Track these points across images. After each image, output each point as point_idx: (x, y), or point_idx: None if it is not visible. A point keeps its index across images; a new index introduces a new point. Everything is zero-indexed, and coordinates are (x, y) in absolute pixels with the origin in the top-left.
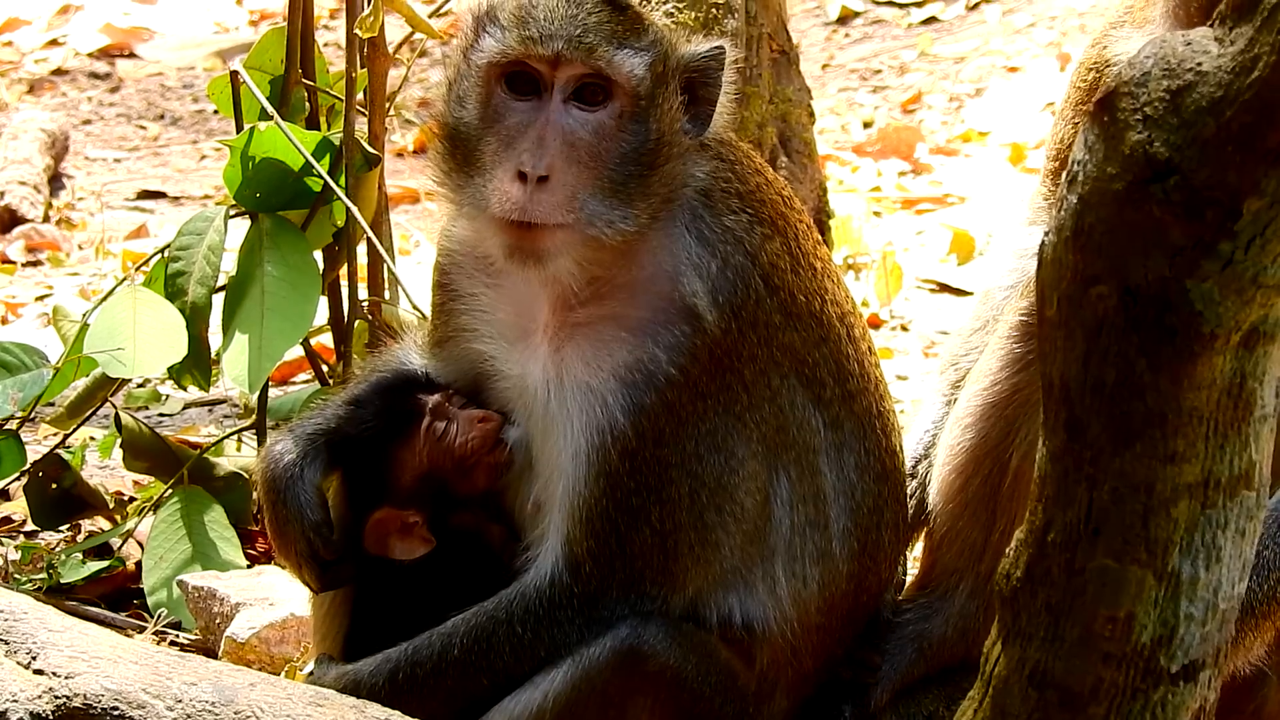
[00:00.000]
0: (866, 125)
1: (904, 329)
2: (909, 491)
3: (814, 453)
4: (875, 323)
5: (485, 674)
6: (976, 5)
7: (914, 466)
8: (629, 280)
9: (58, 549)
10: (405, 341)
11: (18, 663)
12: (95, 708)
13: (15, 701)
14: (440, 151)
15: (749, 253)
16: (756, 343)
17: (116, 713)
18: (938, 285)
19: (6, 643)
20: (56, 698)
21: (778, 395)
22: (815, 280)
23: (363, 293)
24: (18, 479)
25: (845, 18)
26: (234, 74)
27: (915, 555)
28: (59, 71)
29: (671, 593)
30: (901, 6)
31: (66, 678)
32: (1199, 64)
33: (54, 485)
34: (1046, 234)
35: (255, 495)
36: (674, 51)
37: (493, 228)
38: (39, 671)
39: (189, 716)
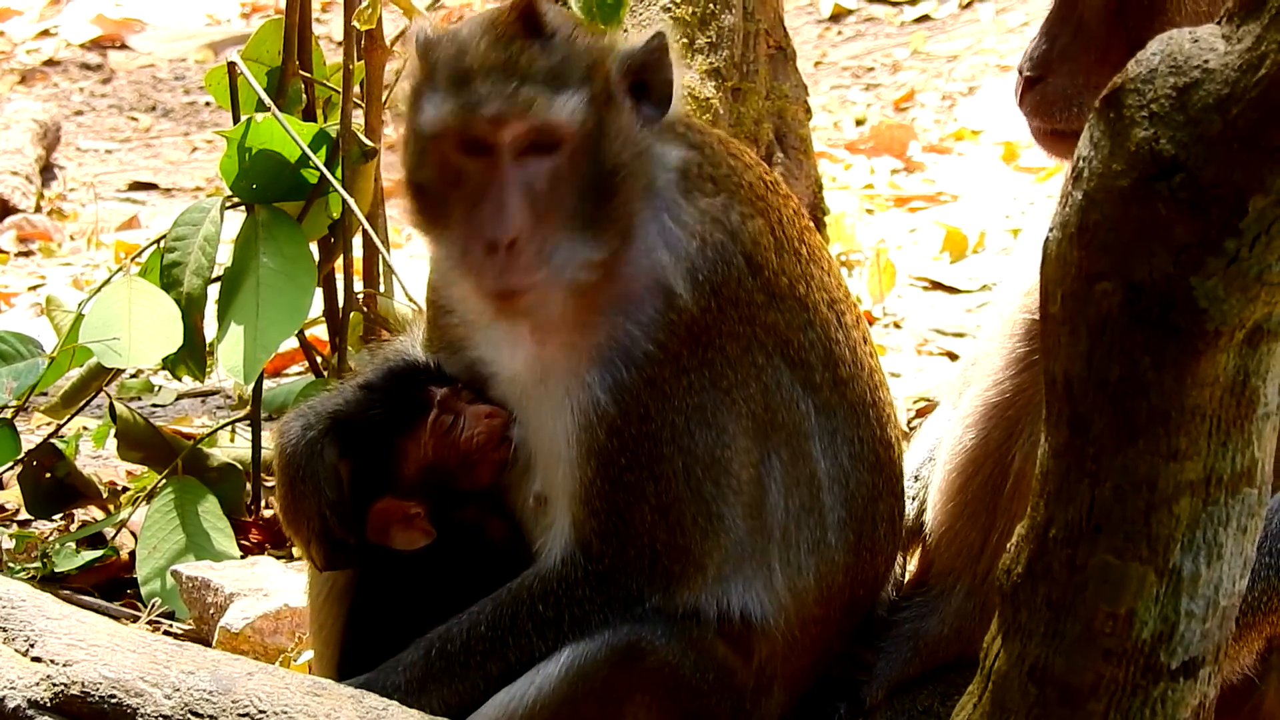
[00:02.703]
0: (859, 123)
1: (897, 326)
2: (912, 494)
3: (804, 437)
4: (868, 320)
5: (512, 651)
6: (970, 4)
7: (919, 469)
8: (601, 266)
9: (51, 538)
10: (416, 333)
11: (16, 650)
12: (93, 695)
13: (13, 689)
14: (410, 204)
15: (728, 231)
16: (738, 320)
17: (114, 700)
18: (930, 283)
19: (4, 630)
20: (54, 685)
21: (763, 373)
22: (801, 264)
23: (358, 285)
24: (12, 468)
25: (838, 15)
26: (231, 65)
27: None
28: (51, 62)
29: (690, 569)
30: (894, 4)
31: (64, 665)
32: (1206, 61)
33: (48, 474)
34: (1051, 230)
35: (270, 468)
36: (612, 59)
37: (476, 296)
38: (37, 659)
39: (187, 705)
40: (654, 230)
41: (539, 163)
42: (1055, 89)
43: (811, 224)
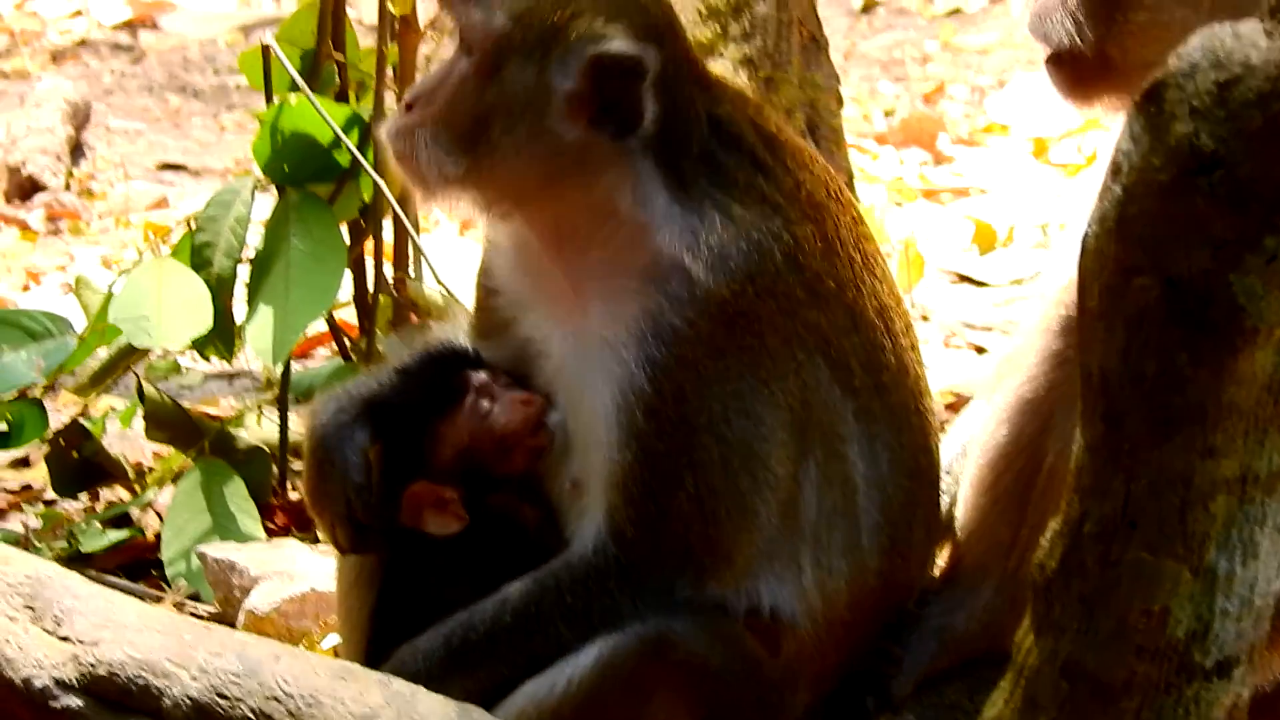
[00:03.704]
0: (888, 115)
1: (924, 319)
2: (944, 489)
3: (840, 439)
4: None
5: (538, 642)
6: None
7: (950, 464)
8: (628, 236)
9: (77, 518)
10: (457, 321)
11: (43, 629)
12: (120, 676)
13: (40, 668)
14: None
15: (768, 231)
16: (777, 311)
17: (141, 681)
18: (958, 276)
19: (32, 609)
20: (81, 665)
21: (802, 369)
22: (854, 270)
23: (388, 268)
24: (39, 447)
25: (868, 7)
26: (266, 47)
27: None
28: (82, 42)
29: (720, 563)
30: None
31: (92, 645)
32: (1247, 57)
33: (75, 453)
34: (1089, 224)
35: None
36: (580, 40)
37: None
38: (64, 638)
39: (213, 687)
40: (675, 208)
41: (464, 61)
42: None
43: (870, 234)
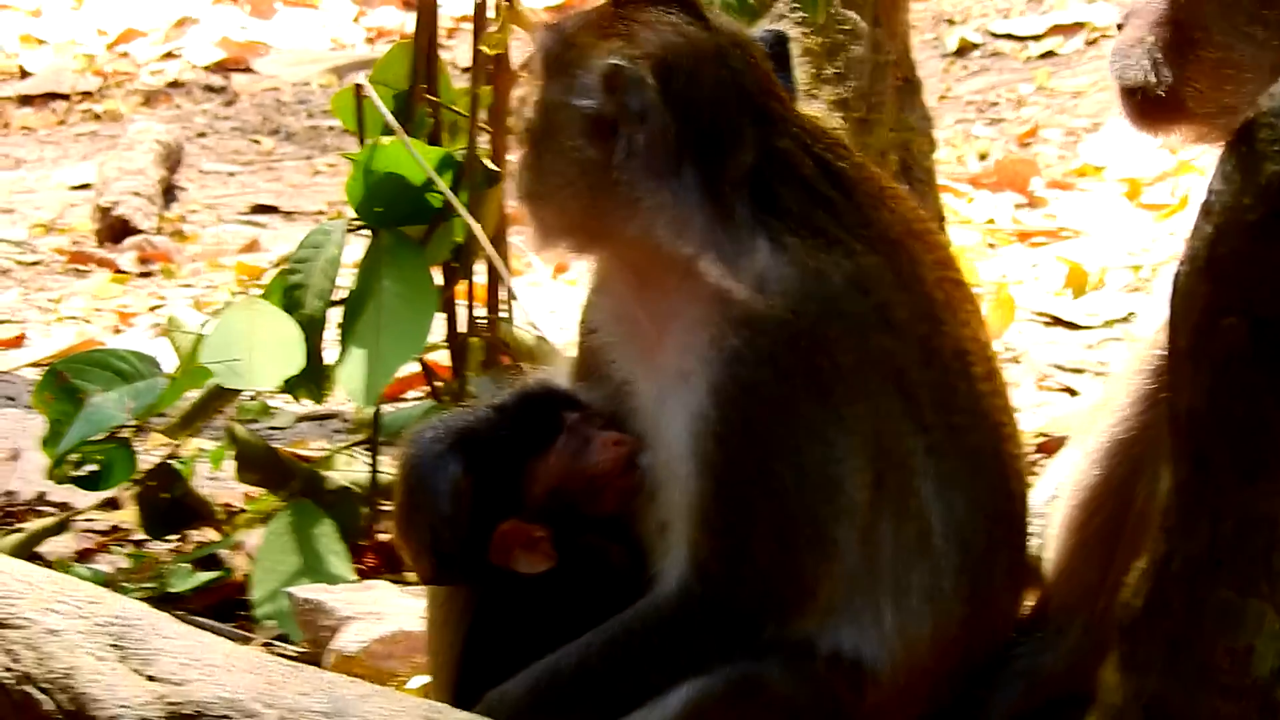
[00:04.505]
0: (982, 157)
1: (1016, 361)
2: (1034, 530)
3: (913, 473)
4: None
5: (626, 686)
6: (1095, 40)
7: (1043, 506)
8: (683, 268)
9: (166, 559)
10: (557, 363)
11: (132, 669)
12: (207, 715)
13: (127, 707)
14: None
15: (829, 259)
16: (844, 333)
17: None
18: (1051, 319)
19: (120, 648)
20: (169, 705)
21: (873, 396)
22: (931, 307)
23: (480, 310)
24: (128, 488)
25: (963, 49)
26: (359, 87)
27: None
28: (174, 84)
29: (805, 597)
30: (1020, 40)
31: (179, 685)
32: None
33: (164, 495)
34: (1180, 264)
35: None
36: (587, 56)
37: None
38: (152, 678)
39: None
40: (723, 242)
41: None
42: (1128, 39)
43: (959, 278)
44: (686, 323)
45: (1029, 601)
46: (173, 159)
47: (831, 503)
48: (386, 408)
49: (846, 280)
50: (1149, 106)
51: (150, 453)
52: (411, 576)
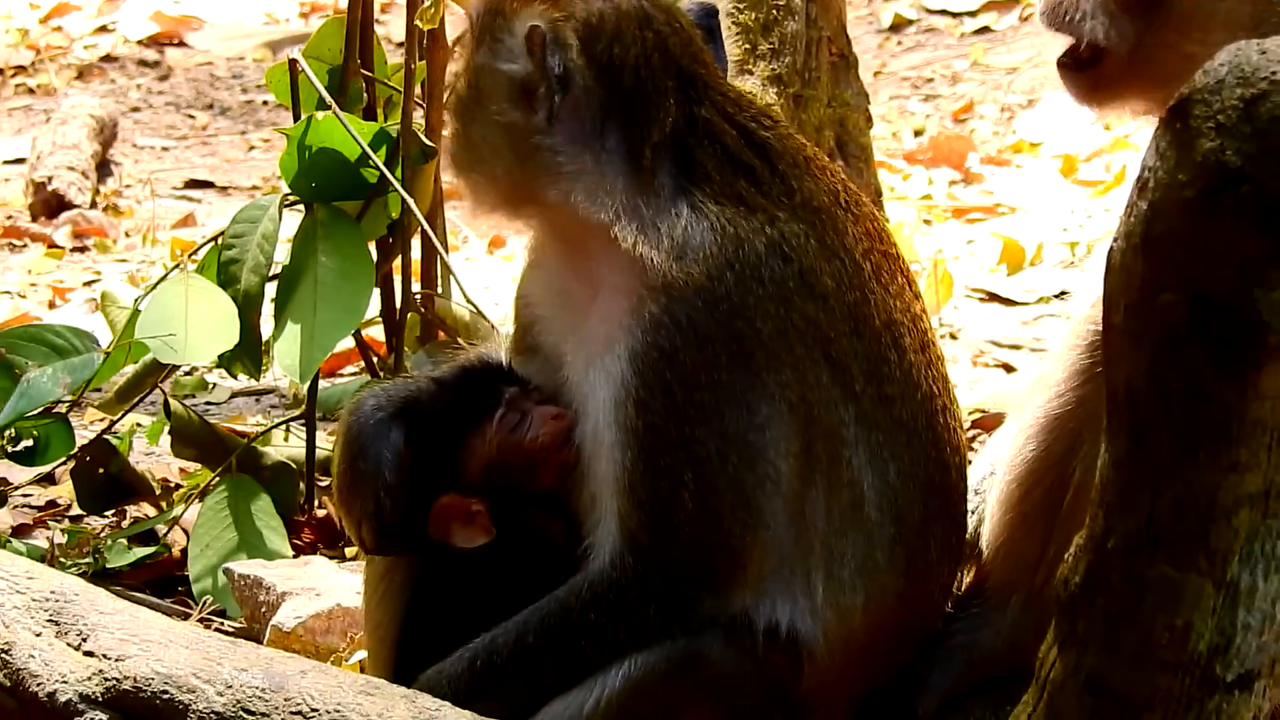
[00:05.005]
0: (918, 133)
1: (953, 337)
2: (972, 508)
3: (843, 443)
4: None
5: (564, 661)
6: (1029, 16)
7: (980, 483)
8: (605, 236)
9: (103, 534)
10: (496, 337)
11: (68, 644)
12: (145, 691)
13: (65, 683)
14: None
15: (752, 226)
16: (766, 299)
17: (166, 696)
18: (987, 294)
19: (57, 624)
20: (106, 680)
21: (800, 364)
22: (860, 279)
23: (416, 286)
24: (65, 463)
25: (898, 25)
26: (293, 63)
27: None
28: (108, 58)
29: (735, 568)
30: (954, 15)
31: (117, 660)
32: (1274, 73)
33: (101, 470)
34: (1115, 240)
35: (334, 445)
36: (509, 18)
37: None
38: (89, 653)
39: (239, 702)
40: (639, 209)
41: None
42: None
43: (892, 250)
44: (609, 290)
45: (967, 577)
46: (107, 133)
47: (755, 470)
48: (323, 383)
49: (768, 246)
50: (1098, 74)
51: (87, 428)
52: (350, 552)
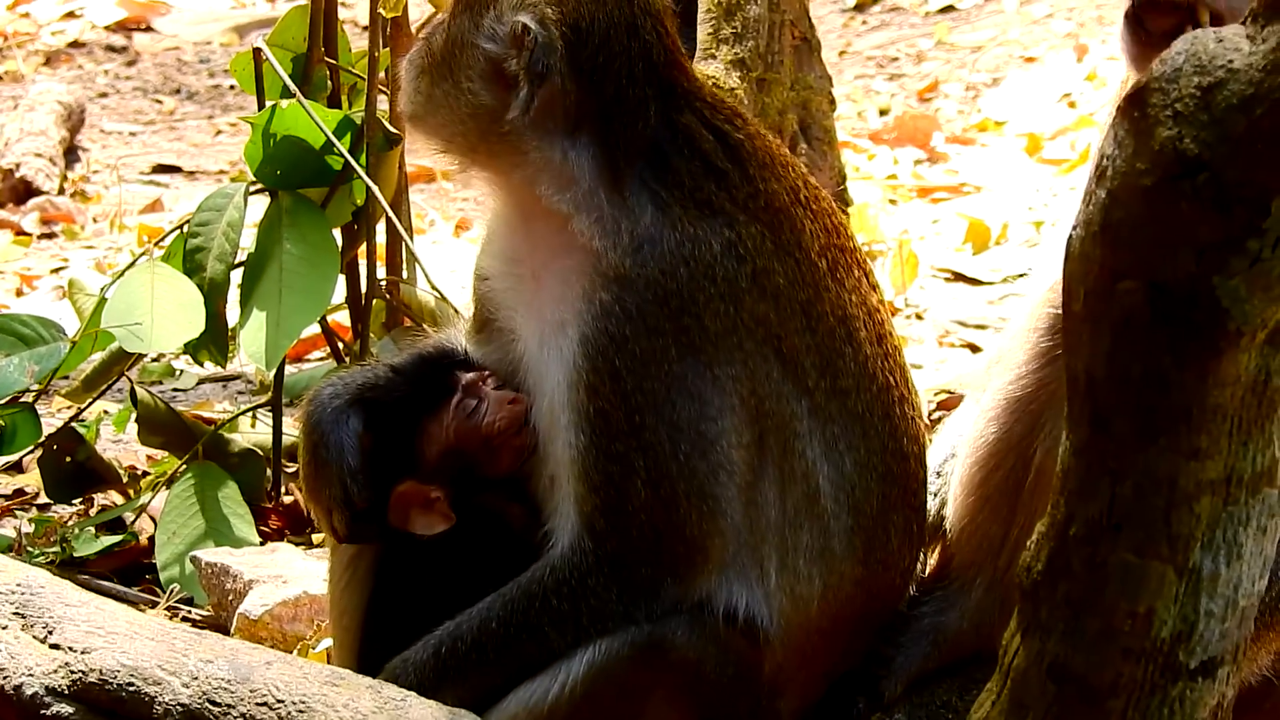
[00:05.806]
0: (883, 113)
1: (919, 317)
2: (934, 490)
3: (796, 435)
4: (890, 310)
5: (527, 647)
6: None
7: (941, 465)
8: (563, 220)
9: (70, 522)
10: (454, 326)
11: (34, 637)
12: (111, 683)
13: (31, 676)
14: None
15: (705, 226)
16: (717, 296)
17: (132, 688)
18: (953, 274)
19: (23, 616)
20: (72, 672)
21: (750, 359)
22: (815, 275)
23: (381, 272)
24: (32, 452)
25: (862, 5)
26: (257, 50)
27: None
28: (75, 44)
29: (694, 554)
30: None
31: (83, 653)
32: (1230, 61)
33: (68, 458)
34: (1074, 227)
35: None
36: (499, 6)
37: None
38: (55, 646)
39: (205, 694)
40: (602, 204)
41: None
42: None
43: (848, 245)
44: (563, 272)
45: (932, 559)
46: (74, 119)
47: (708, 459)
48: (289, 369)
49: (724, 247)
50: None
51: (54, 416)
52: (317, 539)
